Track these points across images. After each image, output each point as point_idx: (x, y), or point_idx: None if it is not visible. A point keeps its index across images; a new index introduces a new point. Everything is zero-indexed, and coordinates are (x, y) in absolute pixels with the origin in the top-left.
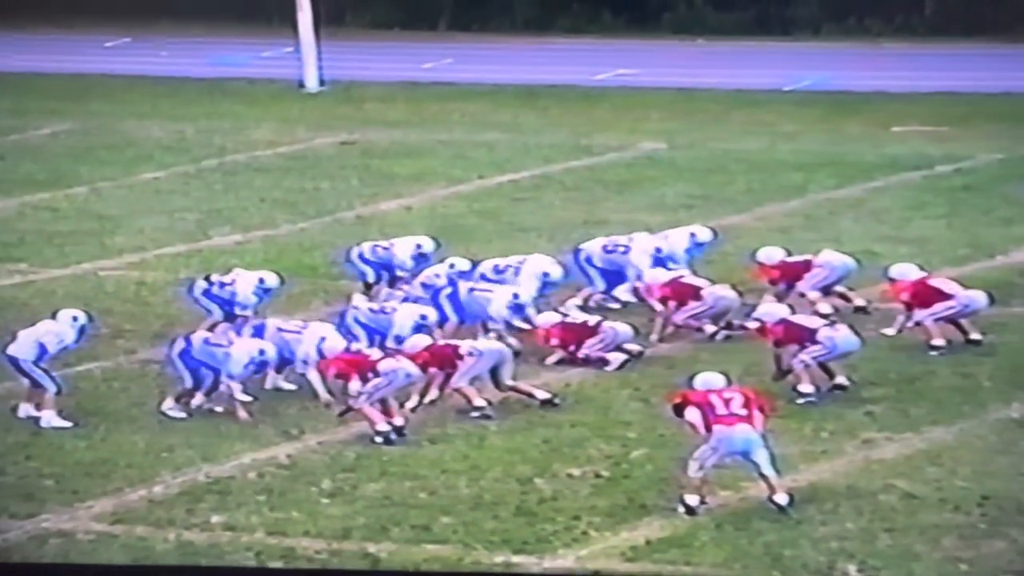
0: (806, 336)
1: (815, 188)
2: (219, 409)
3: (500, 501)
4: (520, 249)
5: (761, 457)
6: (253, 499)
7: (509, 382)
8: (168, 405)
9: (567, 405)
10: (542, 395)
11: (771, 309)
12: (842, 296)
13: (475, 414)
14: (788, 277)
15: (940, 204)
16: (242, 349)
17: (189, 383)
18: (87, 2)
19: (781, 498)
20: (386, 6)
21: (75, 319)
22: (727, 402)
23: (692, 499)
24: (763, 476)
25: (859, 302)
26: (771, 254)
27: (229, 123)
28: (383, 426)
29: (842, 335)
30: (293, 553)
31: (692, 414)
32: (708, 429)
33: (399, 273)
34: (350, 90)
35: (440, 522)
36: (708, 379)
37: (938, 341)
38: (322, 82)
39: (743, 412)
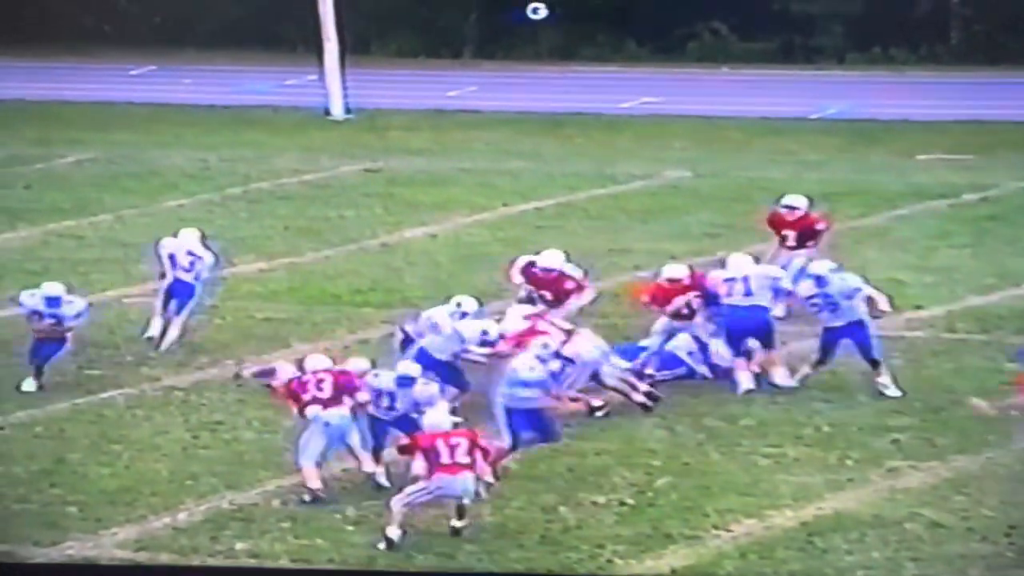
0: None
1: (840, 217)
2: None
3: (524, 530)
4: None
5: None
6: (277, 527)
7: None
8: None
9: (591, 433)
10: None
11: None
12: None
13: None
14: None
15: (965, 233)
16: None
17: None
18: (112, 31)
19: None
20: (411, 35)
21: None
22: (452, 449)
23: (394, 532)
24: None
25: None
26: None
27: (253, 151)
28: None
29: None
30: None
31: (417, 463)
32: (430, 475)
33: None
34: (375, 118)
35: (464, 550)
36: (436, 420)
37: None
38: (347, 110)
39: (466, 460)
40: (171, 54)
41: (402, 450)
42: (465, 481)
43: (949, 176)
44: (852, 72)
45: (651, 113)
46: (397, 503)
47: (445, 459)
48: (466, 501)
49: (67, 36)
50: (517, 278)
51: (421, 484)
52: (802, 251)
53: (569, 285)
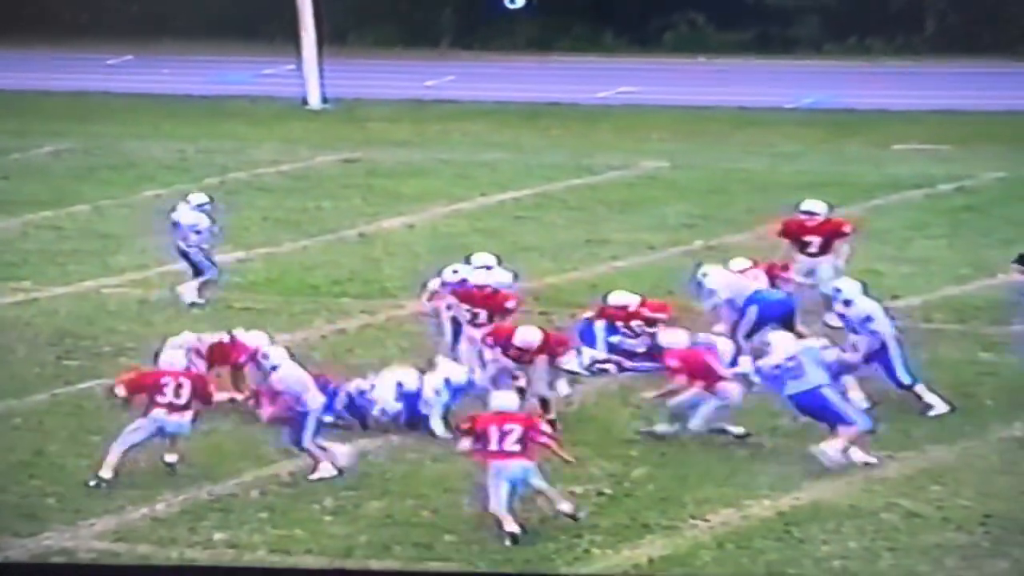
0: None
1: None
2: None
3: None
4: (521, 268)
5: (537, 480)
6: (255, 517)
7: None
8: None
9: (569, 424)
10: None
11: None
12: None
13: None
14: None
15: (942, 224)
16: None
17: None
18: (89, 20)
19: (566, 507)
20: (388, 25)
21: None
22: (503, 436)
23: (512, 527)
24: (541, 492)
25: None
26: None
27: (231, 142)
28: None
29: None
30: (294, 573)
31: (465, 443)
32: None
33: None
34: (353, 108)
35: (443, 540)
36: (503, 403)
37: None
38: (325, 100)
39: (516, 448)
40: (149, 44)
41: (460, 429)
42: (514, 468)
43: (925, 167)
44: (829, 62)
45: (629, 104)
46: (493, 506)
47: (493, 446)
48: (521, 488)
49: (44, 26)
50: (429, 304)
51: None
52: (826, 257)
53: (509, 303)
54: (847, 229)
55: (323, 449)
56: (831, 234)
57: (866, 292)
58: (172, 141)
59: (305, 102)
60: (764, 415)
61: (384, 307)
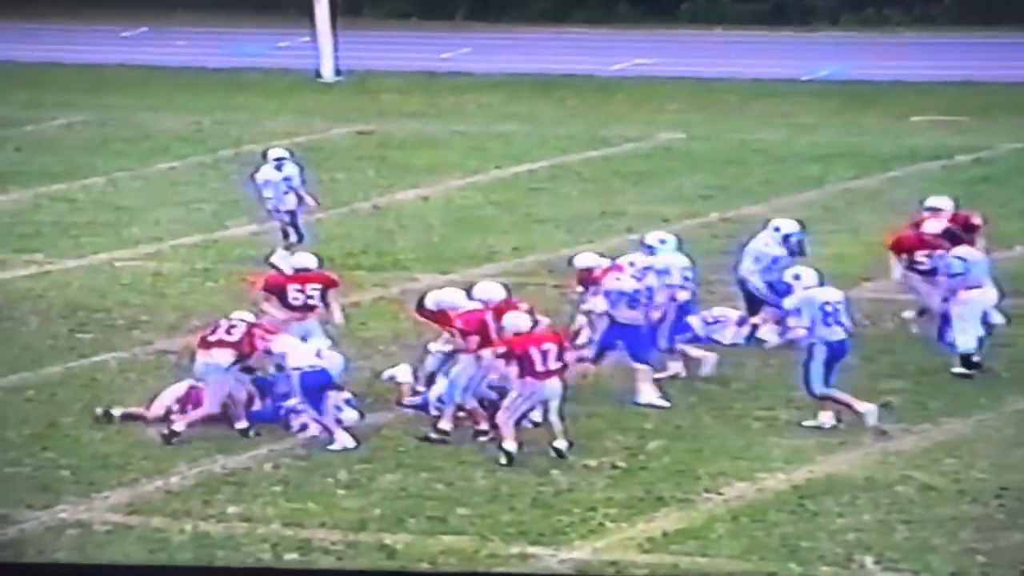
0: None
1: (833, 179)
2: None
3: (516, 493)
4: (537, 241)
5: (555, 405)
6: (269, 490)
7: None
8: None
9: (584, 397)
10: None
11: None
12: None
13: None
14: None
15: (959, 194)
16: None
17: None
18: None
19: (561, 444)
20: None
21: None
22: (544, 355)
23: (511, 445)
24: (548, 421)
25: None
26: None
27: (245, 114)
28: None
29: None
30: (309, 544)
31: (512, 369)
32: (521, 377)
33: None
34: (367, 80)
35: (456, 514)
36: (516, 323)
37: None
38: (339, 72)
39: (557, 365)
40: (163, 16)
41: (500, 355)
42: (553, 385)
43: (942, 138)
44: (846, 34)
45: (644, 75)
46: (502, 418)
47: (539, 366)
48: (553, 403)
49: None
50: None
51: (515, 394)
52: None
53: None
54: (976, 222)
55: (338, 421)
56: (960, 229)
57: None
58: (186, 113)
59: (319, 74)
60: (779, 388)
61: (397, 280)
